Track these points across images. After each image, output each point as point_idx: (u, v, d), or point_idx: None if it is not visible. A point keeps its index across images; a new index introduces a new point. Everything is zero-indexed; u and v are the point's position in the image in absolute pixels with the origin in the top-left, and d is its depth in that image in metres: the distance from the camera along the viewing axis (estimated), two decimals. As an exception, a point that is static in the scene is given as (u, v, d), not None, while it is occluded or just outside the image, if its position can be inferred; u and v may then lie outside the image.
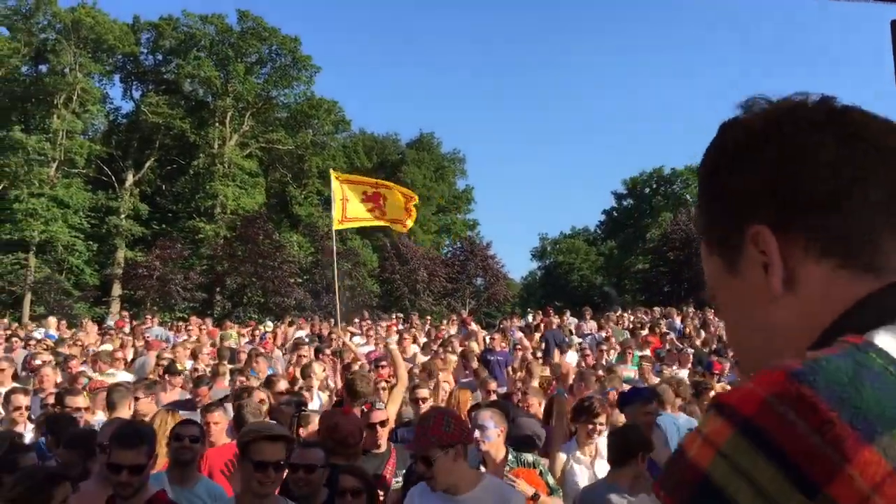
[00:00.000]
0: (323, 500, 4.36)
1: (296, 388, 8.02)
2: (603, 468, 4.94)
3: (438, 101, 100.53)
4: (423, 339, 14.63)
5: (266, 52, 49.49)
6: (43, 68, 43.71)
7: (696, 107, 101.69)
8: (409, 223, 11.86)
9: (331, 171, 12.23)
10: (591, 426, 5.20)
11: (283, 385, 7.48)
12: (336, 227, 11.43)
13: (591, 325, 17.89)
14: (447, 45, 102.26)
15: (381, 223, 12.06)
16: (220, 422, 5.73)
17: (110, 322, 20.09)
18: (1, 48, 40.91)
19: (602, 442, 5.12)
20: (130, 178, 45.61)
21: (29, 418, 6.39)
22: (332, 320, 21.14)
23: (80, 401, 6.13)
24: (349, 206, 11.21)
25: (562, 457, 5.27)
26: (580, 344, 14.34)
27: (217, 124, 47.19)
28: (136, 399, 6.31)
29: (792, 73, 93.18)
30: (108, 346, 12.48)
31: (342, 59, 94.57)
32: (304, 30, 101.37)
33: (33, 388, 7.82)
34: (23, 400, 6.16)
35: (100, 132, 47.39)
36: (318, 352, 11.43)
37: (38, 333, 15.87)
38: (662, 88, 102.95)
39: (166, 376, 8.21)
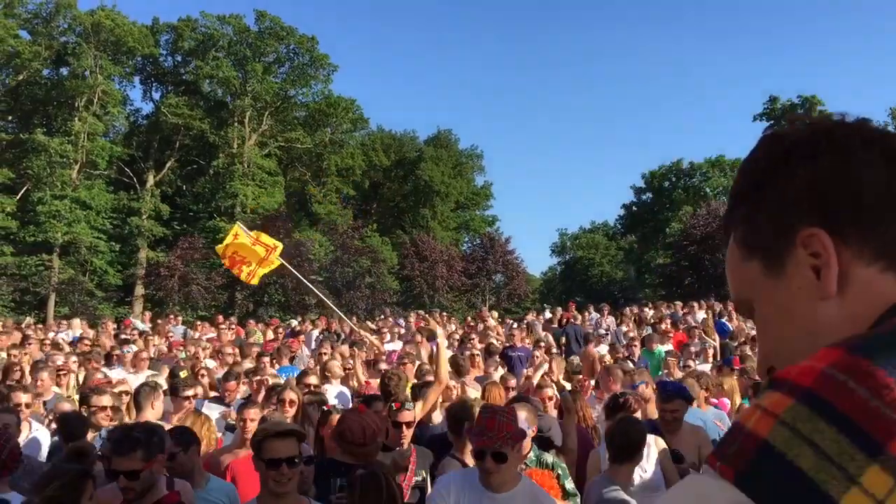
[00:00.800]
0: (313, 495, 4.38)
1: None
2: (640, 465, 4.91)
3: (456, 97, 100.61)
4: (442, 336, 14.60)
5: (283, 51, 49.77)
6: (64, 71, 44.21)
7: (714, 101, 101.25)
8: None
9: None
10: None
11: (313, 380, 7.52)
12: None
13: (609, 321, 17.82)
14: (464, 42, 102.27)
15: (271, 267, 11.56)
16: (257, 419, 5.74)
17: (136, 322, 20.21)
18: (22, 51, 41.38)
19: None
20: (151, 179, 46.00)
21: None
22: (354, 318, 21.27)
23: (106, 400, 6.18)
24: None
25: (597, 454, 5.21)
26: (601, 338, 14.26)
27: (236, 124, 47.46)
28: (185, 398, 6.42)
29: (813, 69, 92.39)
30: (133, 347, 12.57)
31: (359, 58, 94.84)
32: (320, 29, 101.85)
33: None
34: (22, 397, 6.21)
35: (121, 134, 47.87)
36: (352, 346, 11.48)
37: (65, 335, 15.96)
38: (681, 82, 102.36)
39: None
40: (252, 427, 5.58)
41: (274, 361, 10.09)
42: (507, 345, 12.47)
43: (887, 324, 0.75)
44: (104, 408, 6.04)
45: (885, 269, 0.82)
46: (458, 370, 8.57)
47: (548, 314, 19.95)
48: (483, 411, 4.18)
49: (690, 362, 10.31)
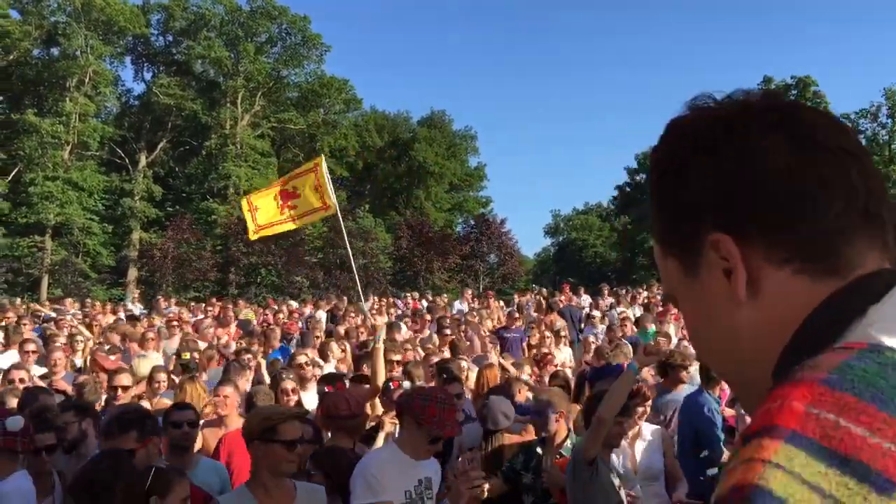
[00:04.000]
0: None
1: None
2: (642, 449, 4.94)
3: (450, 78, 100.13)
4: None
5: (276, 31, 49.33)
6: (55, 51, 43.81)
7: (708, 81, 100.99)
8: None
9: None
10: (641, 409, 5.12)
11: (302, 359, 7.55)
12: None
13: (608, 301, 17.86)
14: (458, 22, 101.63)
15: (296, 225, 11.34)
16: (230, 396, 5.72)
17: (128, 304, 20.19)
18: (12, 31, 41.00)
19: (645, 426, 5.14)
20: (143, 160, 45.77)
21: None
22: (345, 298, 21.25)
23: (125, 379, 6.38)
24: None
25: None
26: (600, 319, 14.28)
27: (228, 105, 47.17)
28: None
29: (808, 46, 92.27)
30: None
31: (352, 38, 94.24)
32: (313, 8, 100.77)
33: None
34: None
35: (112, 114, 47.58)
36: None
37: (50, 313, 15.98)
38: (675, 62, 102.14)
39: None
40: (227, 403, 5.59)
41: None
42: (502, 326, 12.54)
43: (837, 350, 0.67)
44: (126, 387, 6.33)
45: (798, 270, 0.77)
46: (452, 351, 8.73)
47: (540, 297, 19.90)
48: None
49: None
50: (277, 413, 3.87)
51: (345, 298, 21.19)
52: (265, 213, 10.77)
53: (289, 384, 6.27)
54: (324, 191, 10.59)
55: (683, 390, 6.62)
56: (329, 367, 8.33)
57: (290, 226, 11.13)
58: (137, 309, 17.87)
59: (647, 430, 5.09)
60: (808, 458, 0.57)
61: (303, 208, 10.64)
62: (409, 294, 23.53)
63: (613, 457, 4.89)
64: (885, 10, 78.33)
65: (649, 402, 5.28)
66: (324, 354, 8.66)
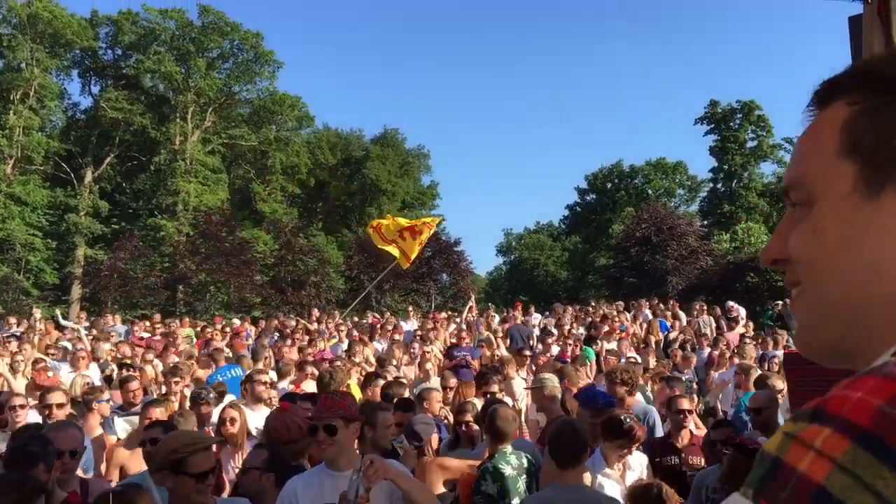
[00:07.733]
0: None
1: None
2: (631, 480, 4.92)
3: (403, 97, 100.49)
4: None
5: (228, 47, 48.94)
6: (-2, 63, 42.85)
7: (653, 107, 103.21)
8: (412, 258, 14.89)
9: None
10: (625, 450, 5.00)
11: (261, 377, 7.47)
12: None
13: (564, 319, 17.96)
14: (411, 41, 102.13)
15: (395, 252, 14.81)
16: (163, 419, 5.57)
17: (62, 321, 19.58)
18: (-47, 43, 40.04)
19: (632, 458, 5.10)
20: (89, 175, 44.86)
21: None
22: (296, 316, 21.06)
23: (58, 397, 6.21)
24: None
25: (587, 475, 5.06)
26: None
27: (178, 120, 46.55)
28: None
29: (752, 72, 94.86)
30: (66, 344, 12.32)
31: (305, 55, 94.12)
32: (266, 25, 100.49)
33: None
34: None
35: (58, 128, 46.55)
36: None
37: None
38: (626, 87, 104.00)
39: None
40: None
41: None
42: (452, 344, 12.56)
43: None
44: (61, 405, 6.14)
45: None
46: (380, 364, 8.90)
47: (493, 315, 19.97)
48: (321, 395, 4.46)
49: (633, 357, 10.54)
50: (185, 446, 3.58)
51: (296, 318, 21.02)
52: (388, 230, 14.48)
53: (231, 413, 6.06)
54: (418, 248, 14.49)
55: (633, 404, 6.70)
56: (282, 385, 8.28)
57: (394, 250, 14.74)
58: (71, 324, 17.31)
59: (635, 460, 5.14)
60: (871, 460, 0.57)
61: (406, 248, 14.35)
62: (370, 313, 23.61)
63: (607, 486, 4.80)
64: (824, 38, 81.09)
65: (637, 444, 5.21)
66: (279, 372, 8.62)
